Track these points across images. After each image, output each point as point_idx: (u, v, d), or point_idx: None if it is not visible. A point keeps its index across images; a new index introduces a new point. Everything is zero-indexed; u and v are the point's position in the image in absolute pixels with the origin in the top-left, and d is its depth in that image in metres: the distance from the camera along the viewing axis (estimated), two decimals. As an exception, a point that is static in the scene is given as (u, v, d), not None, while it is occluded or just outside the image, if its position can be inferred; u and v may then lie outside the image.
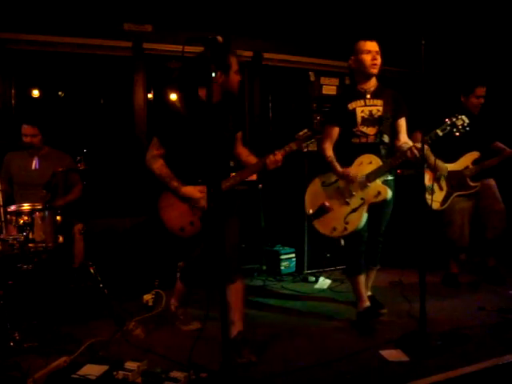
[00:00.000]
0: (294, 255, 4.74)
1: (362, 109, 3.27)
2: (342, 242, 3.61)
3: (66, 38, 4.47)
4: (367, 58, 3.23)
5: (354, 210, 3.20)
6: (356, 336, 3.03)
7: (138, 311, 3.43)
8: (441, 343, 2.72)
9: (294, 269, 4.72)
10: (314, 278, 4.44)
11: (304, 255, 4.61)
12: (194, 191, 2.80)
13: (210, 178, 2.22)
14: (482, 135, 4.07)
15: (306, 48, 5.42)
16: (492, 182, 4.23)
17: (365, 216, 3.18)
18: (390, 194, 3.19)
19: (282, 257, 4.68)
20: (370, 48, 3.24)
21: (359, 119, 3.27)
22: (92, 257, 3.58)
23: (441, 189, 4.09)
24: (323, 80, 4.69)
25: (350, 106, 3.30)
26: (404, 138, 3.31)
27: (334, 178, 3.29)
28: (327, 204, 3.26)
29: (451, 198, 4.09)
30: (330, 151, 3.33)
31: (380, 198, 3.17)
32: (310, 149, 4.33)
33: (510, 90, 5.02)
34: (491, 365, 2.50)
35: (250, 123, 5.22)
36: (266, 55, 5.27)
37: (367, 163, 3.21)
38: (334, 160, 3.30)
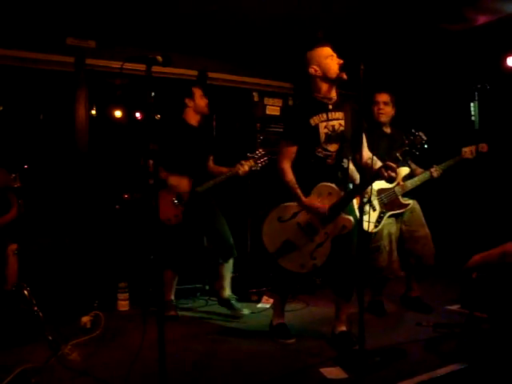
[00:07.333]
0: (237, 274, 4.72)
1: (324, 124, 3.00)
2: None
3: (4, 51, 4.31)
4: (333, 62, 2.97)
5: (320, 245, 3.01)
6: (297, 354, 3.03)
7: (75, 334, 3.29)
8: (379, 359, 2.76)
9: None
10: (256, 297, 4.43)
11: (247, 274, 4.60)
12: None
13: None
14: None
15: (250, 68, 5.50)
16: (415, 205, 3.95)
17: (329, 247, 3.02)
18: (353, 223, 2.98)
19: (226, 276, 4.65)
20: (331, 52, 3.02)
21: (323, 136, 3.00)
22: (27, 278, 3.42)
23: (373, 209, 3.81)
24: (267, 100, 4.75)
25: (313, 121, 3.01)
26: (367, 154, 3.05)
27: (290, 213, 3.05)
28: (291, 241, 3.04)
29: (385, 217, 3.82)
30: (290, 174, 3.05)
31: (345, 231, 2.99)
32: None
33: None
34: (427, 378, 2.57)
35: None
36: (211, 74, 5.29)
37: (326, 194, 2.98)
38: (297, 186, 3.02)
